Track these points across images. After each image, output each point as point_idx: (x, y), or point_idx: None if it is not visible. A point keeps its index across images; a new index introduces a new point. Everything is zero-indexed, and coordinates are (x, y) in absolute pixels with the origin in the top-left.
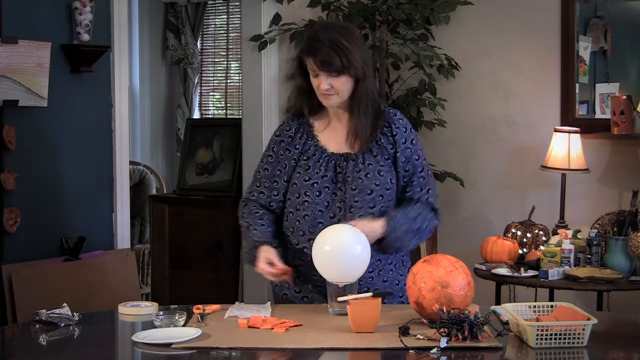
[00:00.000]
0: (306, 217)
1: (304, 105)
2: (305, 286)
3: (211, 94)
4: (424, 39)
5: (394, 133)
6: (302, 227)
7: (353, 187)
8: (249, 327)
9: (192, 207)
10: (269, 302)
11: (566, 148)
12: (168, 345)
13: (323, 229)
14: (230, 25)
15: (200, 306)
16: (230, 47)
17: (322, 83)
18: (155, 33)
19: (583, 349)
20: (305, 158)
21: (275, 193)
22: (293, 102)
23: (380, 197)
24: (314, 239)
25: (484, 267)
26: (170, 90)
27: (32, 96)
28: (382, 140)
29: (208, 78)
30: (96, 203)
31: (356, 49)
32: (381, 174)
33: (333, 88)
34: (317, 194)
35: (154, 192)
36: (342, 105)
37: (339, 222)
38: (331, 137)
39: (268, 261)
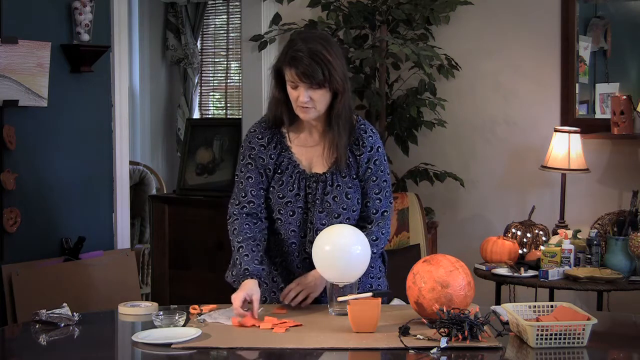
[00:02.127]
0: (279, 235)
1: (284, 115)
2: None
3: (211, 94)
4: (424, 39)
5: (361, 152)
6: (278, 243)
7: (320, 210)
8: (251, 325)
9: (192, 207)
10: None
11: (566, 148)
12: (168, 345)
13: (296, 248)
14: (230, 25)
15: (196, 306)
16: (230, 47)
17: (302, 95)
18: (155, 33)
19: (583, 349)
20: (279, 171)
21: (262, 201)
22: (271, 111)
23: (347, 220)
24: (286, 259)
25: (484, 267)
26: (170, 90)
27: (32, 96)
28: (350, 159)
29: (208, 78)
30: (96, 203)
31: (337, 62)
32: (349, 196)
33: (312, 101)
34: (291, 213)
35: (154, 192)
36: (318, 120)
37: (310, 242)
38: (303, 151)
39: (248, 299)
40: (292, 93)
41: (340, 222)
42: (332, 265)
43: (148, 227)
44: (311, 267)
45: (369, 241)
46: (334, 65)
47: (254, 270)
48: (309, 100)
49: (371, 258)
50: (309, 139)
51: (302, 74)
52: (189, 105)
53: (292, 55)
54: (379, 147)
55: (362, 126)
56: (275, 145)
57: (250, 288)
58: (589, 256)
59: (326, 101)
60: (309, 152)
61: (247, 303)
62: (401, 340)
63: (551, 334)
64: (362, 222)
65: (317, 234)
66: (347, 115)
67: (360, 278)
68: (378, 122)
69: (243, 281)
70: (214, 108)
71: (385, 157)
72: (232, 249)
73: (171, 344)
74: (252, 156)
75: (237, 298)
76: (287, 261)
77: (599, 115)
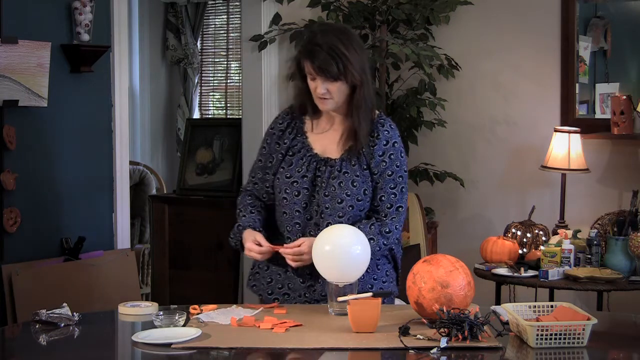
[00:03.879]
0: (285, 214)
1: (307, 103)
2: (280, 289)
3: (211, 94)
4: (424, 39)
5: (374, 144)
6: (283, 223)
7: (326, 193)
8: (252, 325)
9: (192, 207)
10: (234, 306)
11: (566, 148)
12: (168, 345)
13: (300, 229)
14: (230, 25)
15: (196, 306)
16: (230, 47)
17: (319, 87)
18: (155, 33)
19: (583, 349)
20: (290, 154)
21: (267, 185)
22: (296, 100)
23: (350, 207)
24: (291, 239)
25: (484, 267)
26: (170, 90)
27: (32, 96)
28: (364, 149)
29: (208, 78)
30: (96, 203)
31: (354, 55)
32: (354, 184)
33: (329, 92)
34: (296, 193)
35: (154, 192)
36: (338, 110)
37: (315, 225)
38: (319, 138)
39: (255, 242)
40: (311, 84)
41: (343, 208)
42: (332, 265)
43: (148, 227)
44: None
45: (382, 232)
46: (350, 59)
47: (244, 222)
48: (326, 92)
49: (379, 257)
50: (328, 126)
51: (318, 67)
52: (189, 105)
53: (310, 49)
54: (395, 142)
55: (381, 120)
56: (292, 129)
57: (249, 235)
58: (589, 256)
59: (344, 93)
60: (325, 139)
61: (258, 245)
62: (401, 340)
63: (551, 334)
64: (375, 215)
65: (322, 217)
66: (367, 107)
67: (363, 277)
68: None
69: (240, 237)
70: (214, 108)
71: (403, 154)
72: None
73: (171, 344)
74: (268, 141)
75: (249, 248)
76: (289, 241)
77: (599, 115)
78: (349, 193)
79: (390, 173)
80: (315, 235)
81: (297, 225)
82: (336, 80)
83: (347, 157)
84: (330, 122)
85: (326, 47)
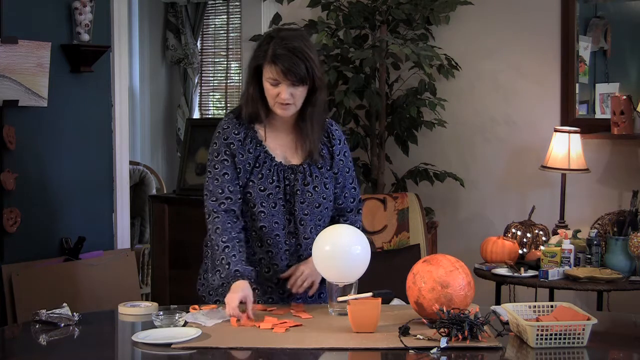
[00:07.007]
0: (263, 228)
1: (261, 112)
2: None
3: (211, 94)
4: (424, 39)
5: (332, 144)
6: (260, 238)
7: (302, 200)
8: (252, 325)
9: (192, 207)
10: (220, 308)
11: (566, 148)
12: (168, 345)
13: (280, 240)
14: (230, 25)
15: (196, 306)
16: (230, 47)
17: (283, 92)
18: (155, 33)
19: (583, 349)
20: (257, 165)
21: (239, 197)
22: (248, 108)
23: (326, 210)
24: (271, 251)
25: (484, 267)
26: (170, 90)
27: (32, 96)
28: (324, 151)
29: (208, 78)
30: (96, 203)
31: (315, 57)
32: (327, 186)
33: (293, 97)
34: (273, 205)
35: (154, 192)
36: (292, 115)
37: (289, 234)
38: (275, 145)
39: (243, 301)
40: (271, 90)
41: (321, 212)
42: (332, 265)
43: (148, 227)
44: (295, 257)
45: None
46: (314, 61)
47: (244, 272)
48: (289, 97)
49: None
50: (281, 132)
51: (286, 70)
52: (189, 105)
53: (275, 53)
54: (345, 139)
55: (329, 121)
56: (251, 140)
57: (243, 289)
58: (589, 256)
59: (304, 97)
60: (282, 146)
61: (241, 304)
62: (401, 340)
63: (551, 334)
64: (337, 213)
65: (300, 225)
66: (323, 110)
67: None
68: (378, 122)
69: (234, 282)
70: (214, 108)
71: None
72: (216, 248)
73: (171, 344)
74: (228, 152)
75: (232, 299)
76: (272, 253)
77: (599, 115)
78: (324, 196)
79: (347, 170)
80: (295, 245)
81: (278, 237)
82: (302, 83)
83: (311, 161)
84: (282, 129)
85: (292, 51)
